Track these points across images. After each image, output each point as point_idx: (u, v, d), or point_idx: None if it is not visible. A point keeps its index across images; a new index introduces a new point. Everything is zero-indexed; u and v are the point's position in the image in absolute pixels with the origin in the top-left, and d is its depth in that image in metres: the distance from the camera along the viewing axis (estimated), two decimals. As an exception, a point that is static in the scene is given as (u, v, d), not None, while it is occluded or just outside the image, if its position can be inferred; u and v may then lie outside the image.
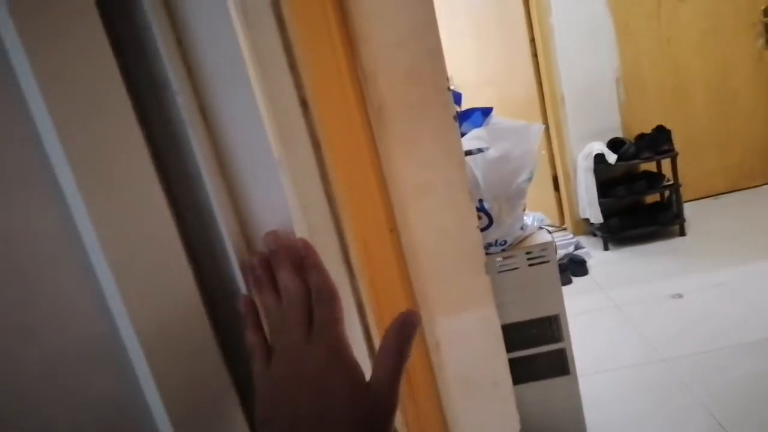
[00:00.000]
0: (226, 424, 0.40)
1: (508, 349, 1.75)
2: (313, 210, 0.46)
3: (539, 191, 4.24)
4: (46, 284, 0.30)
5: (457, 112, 1.96)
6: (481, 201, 1.62)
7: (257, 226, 0.41)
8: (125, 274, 0.32)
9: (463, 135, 1.77)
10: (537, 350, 1.82)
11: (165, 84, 0.35)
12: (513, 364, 1.76)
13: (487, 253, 1.71)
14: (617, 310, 2.87)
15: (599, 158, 3.66)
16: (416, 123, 1.33)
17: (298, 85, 0.48)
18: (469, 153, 1.67)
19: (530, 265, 1.74)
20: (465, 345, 1.54)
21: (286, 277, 0.41)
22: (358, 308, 0.55)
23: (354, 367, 0.39)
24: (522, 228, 1.76)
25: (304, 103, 0.49)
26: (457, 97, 2.03)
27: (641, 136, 3.75)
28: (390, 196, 1.41)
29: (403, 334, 0.39)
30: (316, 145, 0.50)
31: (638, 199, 3.89)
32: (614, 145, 3.74)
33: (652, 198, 3.92)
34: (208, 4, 0.35)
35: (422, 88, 1.31)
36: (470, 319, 1.52)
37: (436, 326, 1.52)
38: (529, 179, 1.69)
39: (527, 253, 1.73)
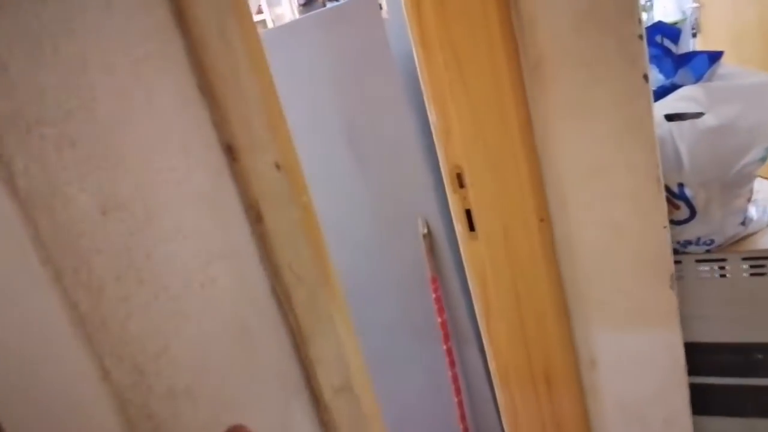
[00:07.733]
0: None
1: (699, 373, 1.38)
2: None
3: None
4: None
5: (674, 54, 1.49)
6: (681, 185, 1.23)
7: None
8: None
9: (673, 89, 1.33)
10: (741, 381, 1.41)
11: None
12: (699, 390, 1.38)
13: (683, 252, 1.32)
14: None
15: None
16: (588, 86, 0.97)
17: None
18: (674, 118, 1.26)
19: (749, 274, 1.30)
20: (631, 369, 1.21)
21: None
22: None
23: None
24: (743, 223, 1.31)
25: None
26: (674, 33, 1.54)
27: None
28: (544, 179, 1.09)
29: None
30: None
31: None
32: None
33: None
34: None
35: (600, 38, 0.94)
36: (643, 340, 1.17)
37: (593, 341, 1.20)
38: (763, 159, 1.23)
39: (745, 259, 1.29)
